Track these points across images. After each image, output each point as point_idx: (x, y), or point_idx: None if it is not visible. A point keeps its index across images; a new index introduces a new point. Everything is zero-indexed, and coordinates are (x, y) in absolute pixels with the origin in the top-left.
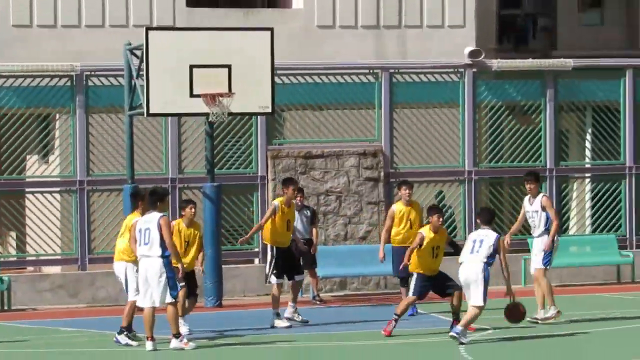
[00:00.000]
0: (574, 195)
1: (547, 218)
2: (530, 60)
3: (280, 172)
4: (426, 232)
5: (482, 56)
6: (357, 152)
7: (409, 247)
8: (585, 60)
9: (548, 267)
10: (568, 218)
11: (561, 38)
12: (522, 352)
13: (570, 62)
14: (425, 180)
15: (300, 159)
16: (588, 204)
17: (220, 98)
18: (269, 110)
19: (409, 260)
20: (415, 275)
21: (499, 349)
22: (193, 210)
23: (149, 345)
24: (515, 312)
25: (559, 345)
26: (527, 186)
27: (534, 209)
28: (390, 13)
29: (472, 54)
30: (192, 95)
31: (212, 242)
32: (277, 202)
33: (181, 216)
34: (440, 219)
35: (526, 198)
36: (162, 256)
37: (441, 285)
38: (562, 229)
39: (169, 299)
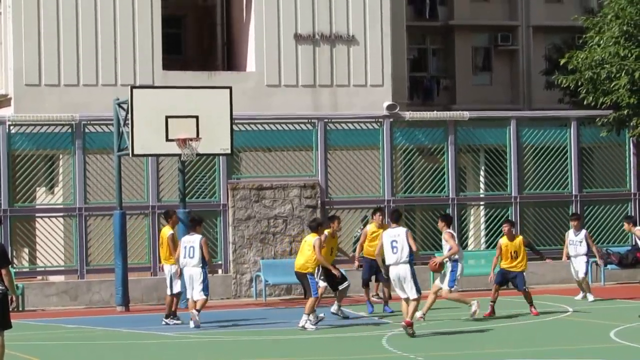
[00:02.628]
0: (471, 219)
1: (588, 246)
2: (435, 112)
3: (238, 201)
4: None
5: (397, 109)
6: (299, 185)
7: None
8: (478, 112)
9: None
10: (467, 237)
11: (459, 95)
12: (439, 343)
13: (466, 114)
14: (353, 207)
15: (254, 190)
16: (482, 226)
17: (190, 142)
18: (229, 151)
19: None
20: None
21: (417, 342)
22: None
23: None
24: None
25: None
26: (572, 222)
27: (579, 239)
28: (324, 75)
29: (389, 107)
30: (167, 139)
31: None
32: (326, 232)
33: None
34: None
35: (571, 230)
36: (202, 266)
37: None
38: (463, 246)
39: (202, 295)
